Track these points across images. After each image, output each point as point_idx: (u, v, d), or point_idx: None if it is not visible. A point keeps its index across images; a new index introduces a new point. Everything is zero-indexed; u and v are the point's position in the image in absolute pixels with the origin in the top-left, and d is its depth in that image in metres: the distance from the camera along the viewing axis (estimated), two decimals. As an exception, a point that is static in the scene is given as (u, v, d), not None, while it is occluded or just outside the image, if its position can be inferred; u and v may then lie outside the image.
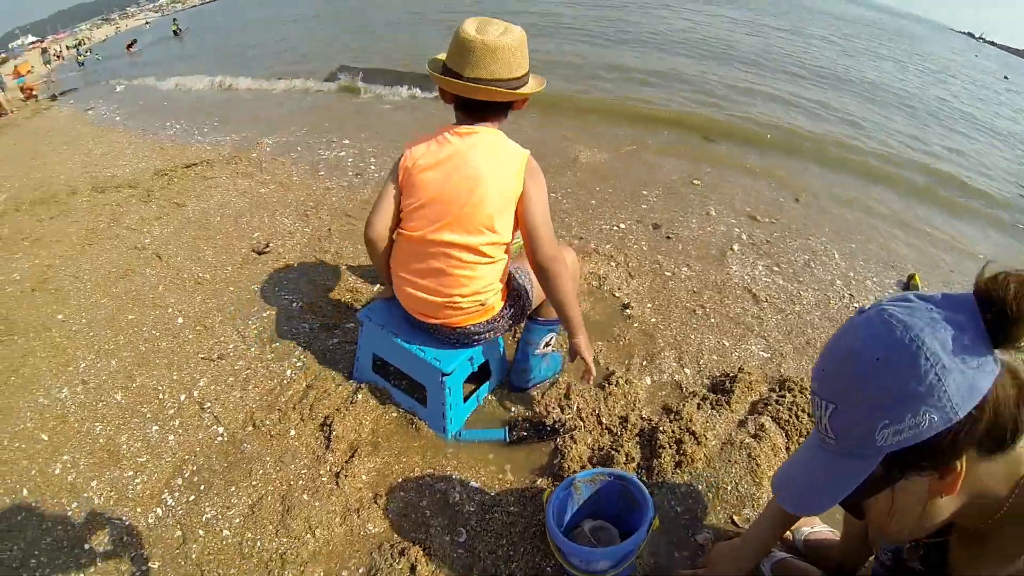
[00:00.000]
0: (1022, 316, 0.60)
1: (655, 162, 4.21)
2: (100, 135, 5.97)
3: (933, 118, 8.31)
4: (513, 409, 1.87)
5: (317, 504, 1.55)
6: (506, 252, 1.54)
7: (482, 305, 1.56)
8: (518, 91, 1.41)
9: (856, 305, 2.55)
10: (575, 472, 1.53)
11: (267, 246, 2.83)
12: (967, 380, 0.60)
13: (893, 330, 0.63)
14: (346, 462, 1.66)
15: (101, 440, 1.83)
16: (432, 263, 1.50)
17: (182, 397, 1.97)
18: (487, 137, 1.44)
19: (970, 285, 0.65)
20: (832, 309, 2.51)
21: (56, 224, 3.47)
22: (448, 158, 1.43)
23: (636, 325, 2.30)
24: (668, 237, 3.02)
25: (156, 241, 3.04)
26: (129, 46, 20.69)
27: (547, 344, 1.85)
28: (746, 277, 2.71)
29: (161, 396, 1.98)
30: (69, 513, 1.59)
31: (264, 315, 2.36)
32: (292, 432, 1.77)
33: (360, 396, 1.83)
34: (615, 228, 3.11)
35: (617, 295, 2.49)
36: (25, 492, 1.67)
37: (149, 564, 1.44)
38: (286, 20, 17.70)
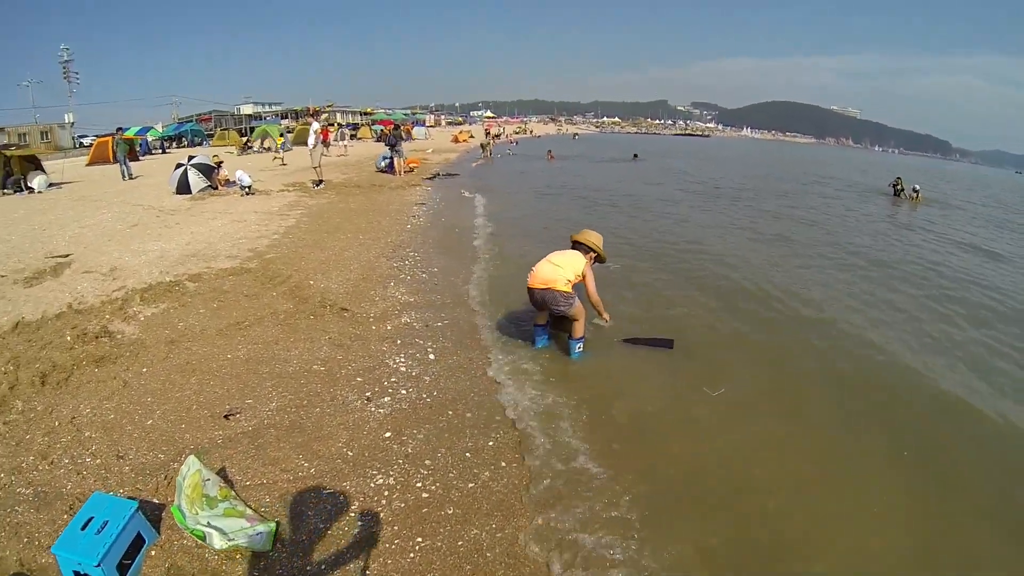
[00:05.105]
0: None
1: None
2: (395, 250, 8.62)
3: None
4: None
5: None
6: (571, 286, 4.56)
7: (564, 284, 4.49)
8: (593, 246, 4.80)
9: None
10: None
11: (235, 412, 3.72)
12: None
13: None
14: None
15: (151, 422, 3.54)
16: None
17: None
18: (572, 252, 4.74)
19: None
20: None
21: (266, 299, 5.85)
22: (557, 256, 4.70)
23: None
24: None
25: (297, 362, 4.57)
26: (550, 157, 26.82)
27: (579, 347, 4.71)
28: None
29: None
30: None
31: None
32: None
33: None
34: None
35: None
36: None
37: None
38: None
